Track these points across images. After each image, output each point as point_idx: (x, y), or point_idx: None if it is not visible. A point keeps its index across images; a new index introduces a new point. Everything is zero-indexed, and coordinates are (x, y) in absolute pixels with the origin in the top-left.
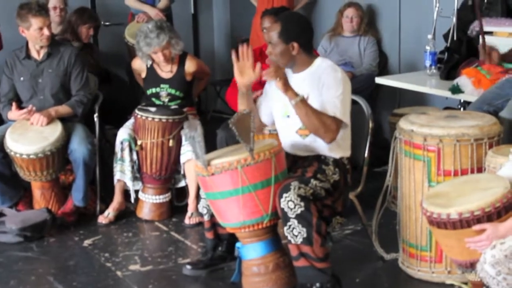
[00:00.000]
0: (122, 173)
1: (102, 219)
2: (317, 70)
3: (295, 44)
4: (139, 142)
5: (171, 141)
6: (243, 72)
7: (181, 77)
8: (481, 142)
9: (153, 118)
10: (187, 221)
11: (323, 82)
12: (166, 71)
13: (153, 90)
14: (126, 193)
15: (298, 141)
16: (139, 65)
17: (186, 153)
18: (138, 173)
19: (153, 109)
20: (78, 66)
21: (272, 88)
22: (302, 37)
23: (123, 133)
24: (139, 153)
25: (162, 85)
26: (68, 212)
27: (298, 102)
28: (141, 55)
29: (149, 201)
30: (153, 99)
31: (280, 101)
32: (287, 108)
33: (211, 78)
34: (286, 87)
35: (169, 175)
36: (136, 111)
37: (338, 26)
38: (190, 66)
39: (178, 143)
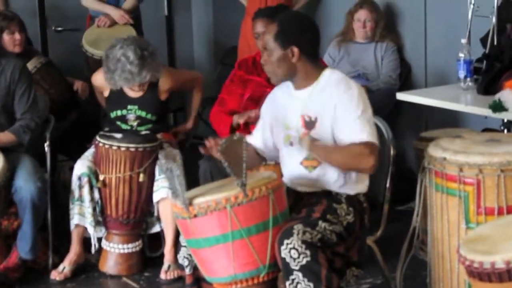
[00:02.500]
0: (81, 216)
1: (56, 275)
2: (326, 85)
3: (295, 49)
4: (101, 177)
5: (141, 175)
6: None
7: (153, 96)
8: None
9: (118, 147)
10: (163, 275)
11: (335, 103)
12: (135, 90)
13: (118, 112)
14: (85, 241)
15: (303, 175)
16: (101, 81)
17: (161, 190)
18: (101, 216)
19: (118, 135)
20: (24, 83)
21: (270, 109)
22: (303, 41)
23: (81, 166)
24: (102, 191)
25: (129, 107)
26: (12, 267)
27: (311, 143)
28: (110, 82)
29: (115, 251)
30: (119, 123)
31: (281, 125)
32: (291, 133)
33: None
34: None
35: (139, 218)
36: (97, 138)
37: (348, 31)
38: (164, 82)
39: (150, 178)
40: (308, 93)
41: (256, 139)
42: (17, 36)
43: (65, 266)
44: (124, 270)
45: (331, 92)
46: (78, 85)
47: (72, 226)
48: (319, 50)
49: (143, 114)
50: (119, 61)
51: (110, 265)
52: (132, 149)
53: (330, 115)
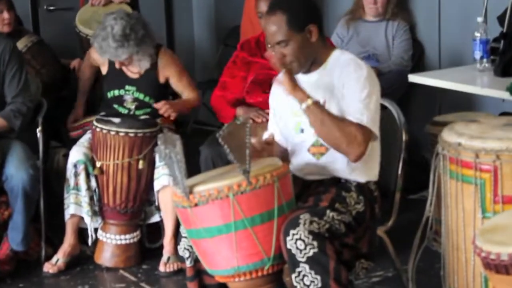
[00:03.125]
0: (78, 205)
1: (49, 268)
2: (334, 67)
3: (313, 27)
4: (98, 164)
5: (141, 162)
6: None
7: (152, 78)
8: None
9: (117, 132)
10: (162, 268)
11: (343, 82)
12: (133, 70)
13: (116, 92)
14: (80, 232)
15: (310, 162)
16: (98, 58)
17: (162, 177)
18: (97, 205)
19: (116, 120)
20: (15, 64)
21: (277, 97)
22: (316, 16)
23: (76, 154)
24: (99, 179)
25: (127, 87)
26: (3, 259)
27: (310, 105)
28: (92, 44)
29: (112, 242)
30: (116, 105)
31: (289, 112)
32: (301, 119)
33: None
34: (293, 83)
35: (137, 208)
36: (94, 123)
37: (358, 8)
38: (163, 66)
39: (150, 165)
40: (316, 76)
41: (275, 131)
42: (6, 15)
43: (59, 258)
44: (121, 262)
45: (341, 73)
46: (75, 63)
47: (67, 216)
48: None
49: (141, 96)
50: (105, 28)
51: (106, 257)
52: (131, 135)
53: (338, 96)
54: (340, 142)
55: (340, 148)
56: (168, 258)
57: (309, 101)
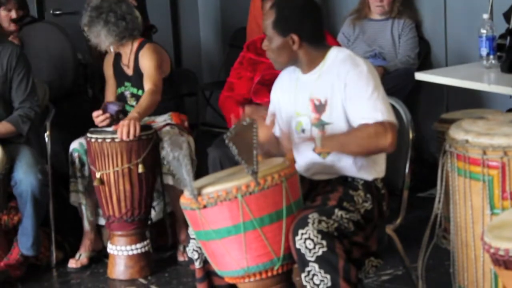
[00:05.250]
0: (75, 193)
1: (73, 263)
2: (332, 65)
3: (295, 37)
4: (98, 175)
5: (140, 166)
6: None
7: (139, 72)
8: None
9: (112, 139)
10: (181, 258)
11: (344, 82)
12: (124, 64)
13: (119, 90)
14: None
15: (317, 162)
16: (108, 65)
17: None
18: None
19: (109, 128)
20: (22, 70)
21: (279, 96)
22: (304, 27)
23: (74, 143)
24: (101, 191)
25: (126, 83)
26: (14, 264)
27: (322, 140)
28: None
29: (124, 254)
30: (126, 107)
31: (291, 112)
32: (302, 119)
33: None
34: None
35: (144, 215)
36: (88, 135)
37: (364, 7)
38: (141, 55)
39: (150, 169)
40: (315, 75)
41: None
42: (14, 14)
43: (81, 254)
44: (136, 273)
45: (339, 71)
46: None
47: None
48: (323, 32)
49: (135, 90)
50: (95, 8)
51: (120, 270)
52: (128, 140)
53: (340, 96)
54: (370, 148)
55: (374, 152)
56: (184, 247)
57: (317, 139)
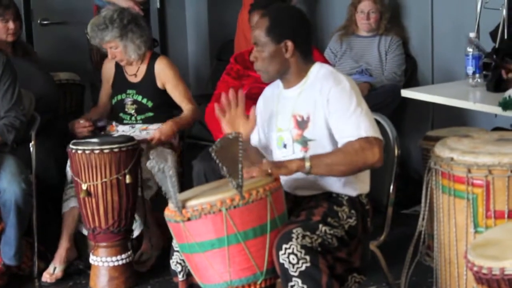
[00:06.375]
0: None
1: (47, 278)
2: (315, 81)
3: (289, 43)
4: (84, 187)
5: (127, 176)
6: (234, 124)
7: (151, 81)
8: None
9: (101, 150)
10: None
11: (327, 98)
12: (130, 73)
13: (119, 97)
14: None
15: (300, 178)
16: (108, 69)
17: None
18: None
19: (94, 139)
20: (8, 78)
21: (262, 111)
22: (297, 34)
23: None
24: (87, 202)
25: (129, 91)
26: None
27: (310, 163)
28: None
29: (109, 265)
30: (120, 113)
31: (273, 127)
32: (284, 134)
33: None
34: (279, 165)
35: (129, 226)
36: (72, 146)
37: (351, 23)
38: (160, 71)
39: (135, 179)
40: (298, 91)
41: (253, 140)
42: (11, 25)
43: (56, 267)
44: (122, 284)
45: (321, 88)
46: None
47: (65, 209)
48: (311, 48)
49: (139, 98)
50: (99, 16)
51: (103, 282)
52: (116, 150)
53: (323, 111)
54: (358, 164)
55: (362, 168)
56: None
57: (307, 162)
